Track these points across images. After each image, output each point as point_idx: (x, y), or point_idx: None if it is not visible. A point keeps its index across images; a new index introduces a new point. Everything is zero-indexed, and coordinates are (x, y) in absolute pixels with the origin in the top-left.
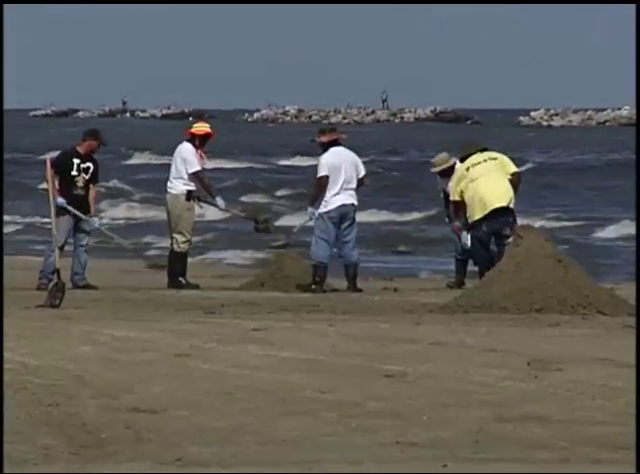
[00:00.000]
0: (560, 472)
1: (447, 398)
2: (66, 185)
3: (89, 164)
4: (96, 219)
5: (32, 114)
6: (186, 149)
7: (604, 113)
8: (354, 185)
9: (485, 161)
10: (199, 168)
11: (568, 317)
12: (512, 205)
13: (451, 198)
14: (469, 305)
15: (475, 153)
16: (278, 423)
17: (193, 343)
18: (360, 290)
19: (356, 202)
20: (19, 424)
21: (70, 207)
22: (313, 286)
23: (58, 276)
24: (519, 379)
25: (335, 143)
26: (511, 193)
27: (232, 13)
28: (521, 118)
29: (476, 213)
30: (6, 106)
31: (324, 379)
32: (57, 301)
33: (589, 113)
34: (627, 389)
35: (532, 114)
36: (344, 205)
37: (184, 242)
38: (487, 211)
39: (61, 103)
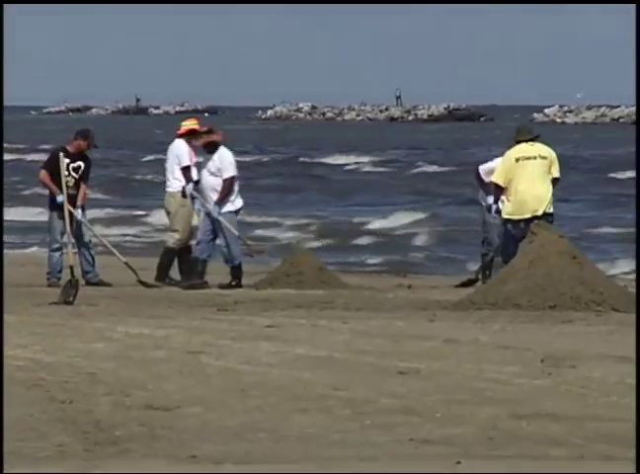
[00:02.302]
0: (574, 470)
1: (461, 395)
2: (58, 185)
3: (79, 163)
4: (79, 211)
5: (45, 111)
6: (177, 146)
7: (618, 109)
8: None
9: (535, 158)
10: (188, 163)
11: (582, 314)
12: (550, 209)
13: (494, 180)
14: (483, 302)
15: (527, 141)
16: (291, 420)
17: (206, 340)
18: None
19: (221, 207)
20: (32, 421)
21: (68, 205)
22: (234, 284)
23: (72, 273)
24: (532, 376)
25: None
26: (550, 199)
27: (246, 11)
28: (535, 115)
29: (516, 211)
30: (20, 103)
31: (338, 376)
32: (71, 298)
33: (602, 109)
34: (593, 385)
35: (546, 111)
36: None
37: (177, 239)
38: (527, 216)
39: (75, 100)
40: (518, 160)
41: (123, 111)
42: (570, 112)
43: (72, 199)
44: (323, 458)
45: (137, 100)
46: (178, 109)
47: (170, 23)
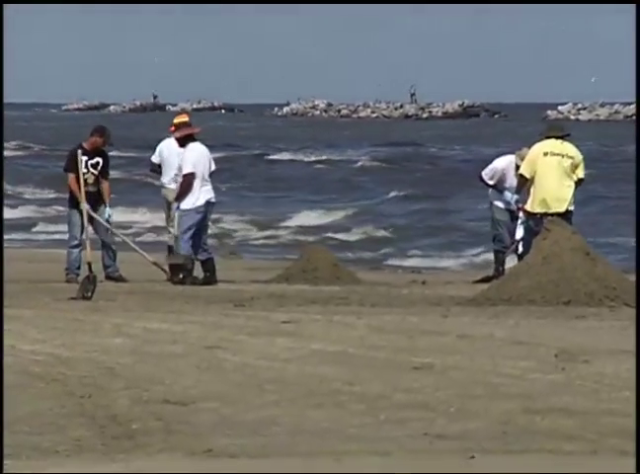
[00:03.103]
0: (588, 465)
1: (475, 390)
2: (78, 183)
3: (97, 159)
4: (108, 209)
5: (64, 108)
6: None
7: (631, 106)
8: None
9: (562, 157)
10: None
11: (595, 309)
12: (571, 208)
13: (521, 172)
14: (497, 298)
15: (557, 137)
16: (306, 414)
17: (222, 335)
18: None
19: (208, 196)
20: (51, 415)
21: (88, 207)
22: (182, 278)
23: (90, 269)
24: (546, 371)
25: (191, 138)
26: (571, 198)
27: (262, 10)
28: (549, 113)
29: (538, 206)
30: (39, 100)
31: (353, 371)
32: (89, 293)
33: (616, 106)
34: (606, 380)
35: (560, 108)
36: (209, 201)
37: (171, 236)
38: (549, 211)
39: (93, 97)
40: (546, 154)
41: (141, 108)
42: (584, 109)
43: (91, 196)
44: (338, 452)
45: (154, 97)
46: (195, 106)
47: (185, 22)
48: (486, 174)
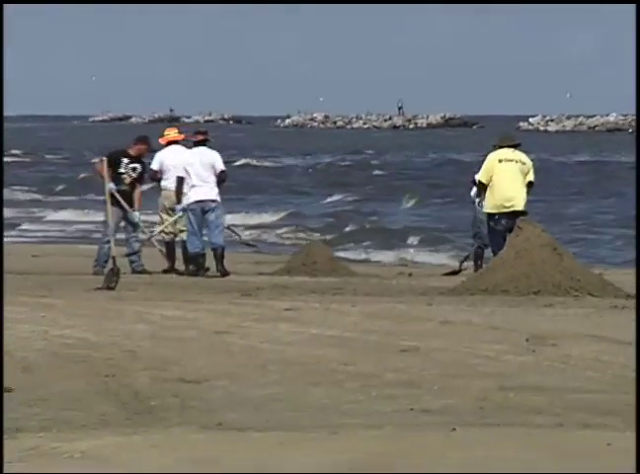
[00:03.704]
0: (556, 436)
1: (455, 370)
2: (114, 180)
3: (136, 165)
4: (137, 213)
5: (91, 120)
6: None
7: (594, 118)
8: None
9: (516, 162)
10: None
11: (562, 298)
12: (524, 208)
13: (479, 178)
14: (475, 288)
15: (510, 147)
16: (306, 392)
17: (231, 321)
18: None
19: (207, 196)
20: (79, 393)
21: (117, 195)
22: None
23: (114, 263)
24: (518, 353)
25: (175, 143)
26: (524, 198)
27: (269, 28)
28: (521, 124)
29: (498, 207)
30: (67, 112)
31: (347, 353)
32: (113, 284)
33: (580, 119)
34: (615, 362)
35: (531, 120)
36: (200, 200)
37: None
38: (508, 210)
39: (117, 110)
40: (500, 161)
41: (159, 120)
42: (552, 120)
43: (124, 195)
44: (334, 426)
45: (171, 110)
46: (207, 118)
47: (199, 41)
48: (478, 177)
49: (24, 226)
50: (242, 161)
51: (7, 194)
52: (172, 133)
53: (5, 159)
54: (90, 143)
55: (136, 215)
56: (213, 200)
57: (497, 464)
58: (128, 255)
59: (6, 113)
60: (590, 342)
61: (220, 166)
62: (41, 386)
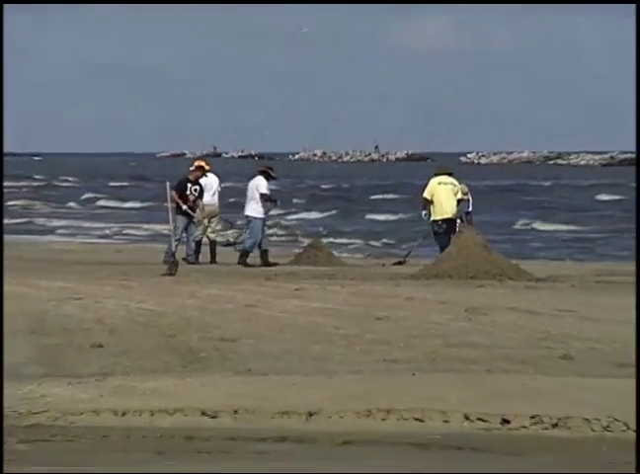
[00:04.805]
0: (485, 378)
1: (415, 332)
2: (182, 199)
3: (197, 187)
4: (197, 219)
5: (157, 155)
6: (259, 179)
7: (513, 154)
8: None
9: (448, 185)
10: (265, 192)
11: (490, 281)
12: (455, 217)
13: (425, 196)
14: (429, 274)
15: (445, 174)
16: (309, 348)
17: (257, 298)
18: (271, 264)
19: (247, 212)
20: (149, 348)
21: (189, 211)
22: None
23: (174, 257)
24: (459, 320)
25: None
26: (455, 210)
27: (294, 82)
28: (461, 158)
29: (437, 215)
30: (138, 150)
31: (338, 320)
32: (174, 271)
33: (502, 155)
34: (527, 326)
35: (468, 155)
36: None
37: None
38: (444, 217)
39: (176, 148)
40: (439, 184)
41: (206, 155)
42: (483, 156)
43: (190, 208)
44: (330, 371)
45: (214, 148)
46: (240, 154)
47: (235, 99)
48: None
49: (127, 231)
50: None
51: (120, 204)
52: (200, 164)
53: (122, 183)
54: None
55: (197, 221)
56: (247, 216)
57: (444, 398)
58: (189, 255)
59: (100, 150)
60: (510, 312)
61: (261, 190)
62: (123, 343)
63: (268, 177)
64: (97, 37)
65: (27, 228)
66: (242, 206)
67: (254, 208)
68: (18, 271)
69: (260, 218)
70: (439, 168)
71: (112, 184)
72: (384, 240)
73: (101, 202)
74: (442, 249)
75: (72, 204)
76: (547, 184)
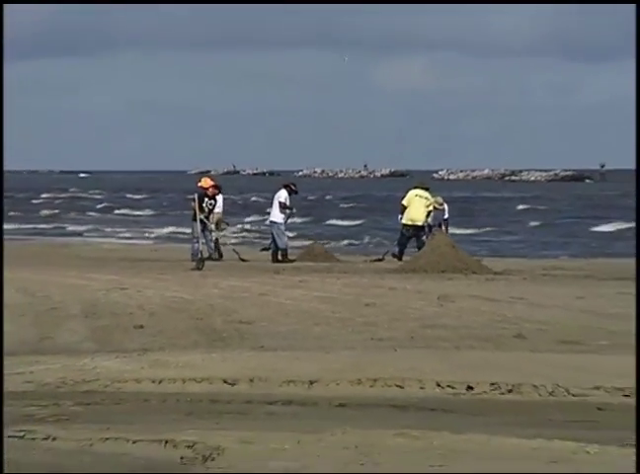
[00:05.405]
0: (455, 354)
1: (397, 316)
2: (200, 210)
3: (212, 201)
4: (212, 226)
5: (187, 172)
6: (283, 192)
7: (475, 172)
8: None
9: (422, 198)
10: (283, 201)
11: (457, 275)
12: (424, 224)
13: (403, 202)
14: (408, 269)
15: (422, 188)
16: (311, 329)
17: (268, 288)
18: (287, 260)
19: (270, 218)
20: (181, 328)
21: (205, 219)
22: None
23: (201, 254)
24: (433, 306)
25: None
26: (424, 218)
27: (299, 116)
28: (434, 175)
29: (408, 221)
30: (168, 168)
31: (334, 306)
32: (200, 266)
33: (467, 172)
34: (488, 311)
35: (440, 172)
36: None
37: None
38: (413, 223)
39: (202, 166)
40: (416, 195)
41: (227, 172)
42: (453, 173)
43: (206, 218)
44: (327, 348)
45: (234, 166)
46: (254, 171)
47: (255, 115)
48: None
49: (151, 234)
50: (254, 198)
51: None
52: (208, 181)
53: (140, 195)
54: (185, 185)
55: (212, 228)
56: (271, 221)
57: (421, 369)
58: (210, 254)
59: (134, 167)
60: (473, 299)
61: (280, 199)
62: (160, 324)
63: (290, 191)
64: (136, 76)
65: (59, 232)
66: (244, 214)
67: (275, 214)
68: (76, 267)
69: (279, 223)
70: (418, 182)
71: (128, 195)
72: (346, 241)
73: (116, 211)
74: (402, 251)
75: (92, 213)
76: (490, 195)
